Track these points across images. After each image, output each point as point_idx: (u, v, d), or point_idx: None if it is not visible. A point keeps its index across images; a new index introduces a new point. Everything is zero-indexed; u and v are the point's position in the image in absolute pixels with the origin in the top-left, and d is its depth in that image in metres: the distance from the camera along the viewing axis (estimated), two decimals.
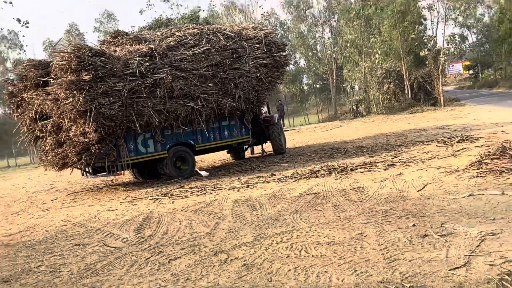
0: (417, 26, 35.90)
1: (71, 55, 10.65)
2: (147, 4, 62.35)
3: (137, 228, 7.11)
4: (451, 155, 9.93)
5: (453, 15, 47.34)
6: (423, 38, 36.75)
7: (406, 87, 32.29)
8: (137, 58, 11.39)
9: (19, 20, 37.62)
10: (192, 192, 9.69)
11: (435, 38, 37.01)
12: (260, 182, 9.88)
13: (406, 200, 6.66)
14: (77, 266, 5.51)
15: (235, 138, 13.96)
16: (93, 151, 10.87)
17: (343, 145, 15.28)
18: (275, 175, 10.57)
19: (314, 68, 50.44)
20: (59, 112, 10.94)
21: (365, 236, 5.22)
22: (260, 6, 64.12)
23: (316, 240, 5.31)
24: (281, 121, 24.74)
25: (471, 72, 62.72)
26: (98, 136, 10.74)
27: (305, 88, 56.25)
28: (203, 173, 12.42)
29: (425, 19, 40.09)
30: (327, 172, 9.85)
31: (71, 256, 5.99)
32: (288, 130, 27.19)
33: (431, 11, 41.38)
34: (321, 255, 4.78)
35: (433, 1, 39.82)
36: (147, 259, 5.44)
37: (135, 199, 9.88)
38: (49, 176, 17.17)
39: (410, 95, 32.16)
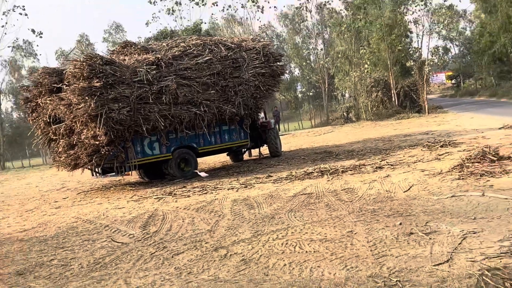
0: (403, 39, 35.97)
1: (84, 63, 10.66)
2: (153, 17, 62.50)
3: (142, 225, 7.09)
4: (435, 158, 9.94)
5: (437, 28, 47.43)
6: (409, 50, 36.81)
7: (393, 95, 32.34)
8: (145, 67, 11.39)
9: (33, 31, 37.66)
10: (194, 192, 9.67)
11: (420, 50, 36.97)
12: (257, 183, 9.87)
13: (393, 200, 6.66)
14: (86, 260, 5.49)
15: (234, 141, 13.95)
16: (103, 152, 10.86)
17: (335, 149, 15.27)
18: (271, 176, 10.55)
19: (308, 77, 50.55)
20: (71, 116, 10.93)
21: (355, 233, 5.22)
22: (258, 19, 64.18)
23: (310, 237, 5.30)
24: (277, 126, 24.72)
25: (453, 81, 62.85)
26: (108, 139, 10.73)
27: (299, 95, 56.40)
28: (203, 174, 12.39)
29: (411, 32, 40.30)
30: (320, 174, 9.83)
31: (81, 251, 5.97)
32: (284, 135, 27.19)
33: (417, 24, 41.47)
34: (314, 251, 4.78)
35: (419, 16, 39.84)
36: (152, 254, 5.43)
37: (141, 198, 9.85)
38: (61, 176, 17.11)
39: (396, 103, 32.20)
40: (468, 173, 7.66)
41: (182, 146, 12.55)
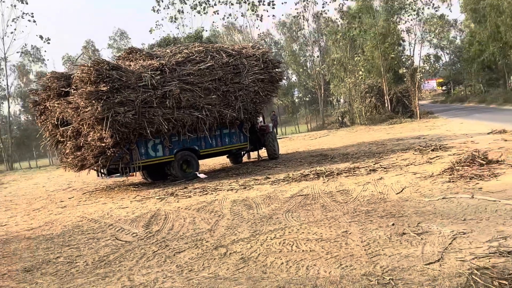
0: (396, 47, 36.04)
1: (91, 68, 10.67)
2: (156, 24, 62.50)
3: (145, 224, 7.08)
4: (426, 162, 9.94)
5: (428, 37, 47.60)
6: (402, 57, 36.87)
7: (386, 101, 32.37)
8: (149, 72, 11.40)
9: (41, 37, 37.70)
10: (195, 193, 9.65)
11: (412, 58, 37.13)
12: (256, 184, 9.86)
13: (386, 202, 6.66)
14: (91, 258, 5.48)
15: (234, 144, 13.95)
16: (108, 154, 10.86)
17: (330, 152, 15.27)
18: (269, 178, 10.55)
19: (304, 83, 50.55)
20: (79, 119, 10.93)
21: (350, 233, 5.22)
22: (257, 27, 64.16)
23: (306, 236, 5.30)
24: (275, 130, 24.71)
25: (444, 88, 62.90)
26: (114, 141, 10.73)
27: (296, 100, 56.37)
28: (202, 175, 12.37)
29: (404, 41, 40.38)
30: (316, 176, 9.83)
31: (86, 249, 5.96)
32: (281, 138, 27.16)
33: (409, 33, 41.72)
34: (310, 250, 4.77)
35: (411, 25, 40.02)
36: (154, 252, 5.42)
37: (144, 198, 9.84)
38: (67, 177, 17.09)
39: (389, 108, 32.22)
40: (458, 176, 7.67)
41: (184, 149, 12.56)
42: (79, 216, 8.54)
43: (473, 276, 3.58)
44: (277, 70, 14.62)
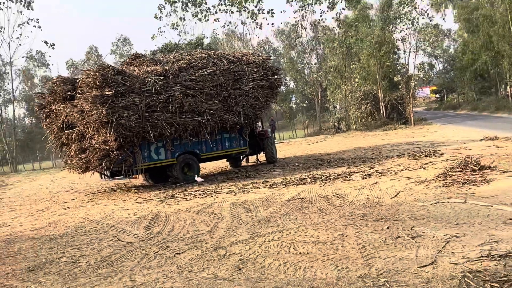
0: (391, 55, 36.18)
1: (97, 73, 10.68)
2: (158, 31, 62.49)
3: (146, 225, 7.07)
4: (420, 167, 9.95)
5: (423, 46, 47.70)
6: (397, 65, 36.99)
7: (381, 107, 32.45)
8: (153, 77, 11.42)
9: (46, 42, 37.67)
10: (195, 195, 9.64)
11: (407, 66, 37.24)
12: (254, 188, 9.85)
13: (381, 206, 6.66)
14: (94, 258, 5.46)
15: (234, 148, 13.95)
16: (112, 157, 10.86)
17: (327, 156, 15.28)
18: (268, 181, 10.54)
19: (302, 89, 50.62)
20: (83, 122, 10.94)
21: (346, 236, 5.21)
22: (256, 35, 64.16)
23: (303, 239, 5.29)
24: (273, 135, 24.73)
25: (437, 95, 63.12)
26: (118, 144, 10.73)
27: (294, 106, 56.43)
28: (198, 179, 12.35)
29: (399, 49, 40.42)
30: (313, 180, 9.83)
31: (89, 249, 5.94)
32: (279, 143, 27.15)
33: (404, 42, 41.68)
34: (307, 252, 4.77)
35: (406, 34, 40.05)
36: (155, 253, 5.41)
37: (145, 200, 9.82)
38: (70, 179, 17.06)
39: (384, 115, 32.30)
40: (451, 181, 7.68)
41: (186, 152, 12.55)
42: (82, 217, 8.52)
43: (466, 279, 3.58)
44: (276, 76, 14.65)
